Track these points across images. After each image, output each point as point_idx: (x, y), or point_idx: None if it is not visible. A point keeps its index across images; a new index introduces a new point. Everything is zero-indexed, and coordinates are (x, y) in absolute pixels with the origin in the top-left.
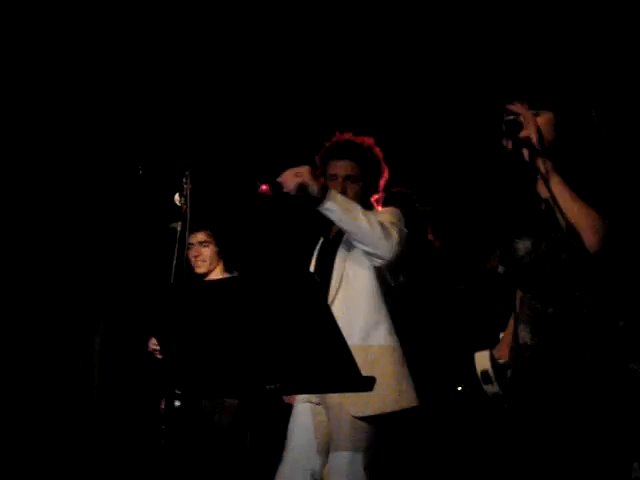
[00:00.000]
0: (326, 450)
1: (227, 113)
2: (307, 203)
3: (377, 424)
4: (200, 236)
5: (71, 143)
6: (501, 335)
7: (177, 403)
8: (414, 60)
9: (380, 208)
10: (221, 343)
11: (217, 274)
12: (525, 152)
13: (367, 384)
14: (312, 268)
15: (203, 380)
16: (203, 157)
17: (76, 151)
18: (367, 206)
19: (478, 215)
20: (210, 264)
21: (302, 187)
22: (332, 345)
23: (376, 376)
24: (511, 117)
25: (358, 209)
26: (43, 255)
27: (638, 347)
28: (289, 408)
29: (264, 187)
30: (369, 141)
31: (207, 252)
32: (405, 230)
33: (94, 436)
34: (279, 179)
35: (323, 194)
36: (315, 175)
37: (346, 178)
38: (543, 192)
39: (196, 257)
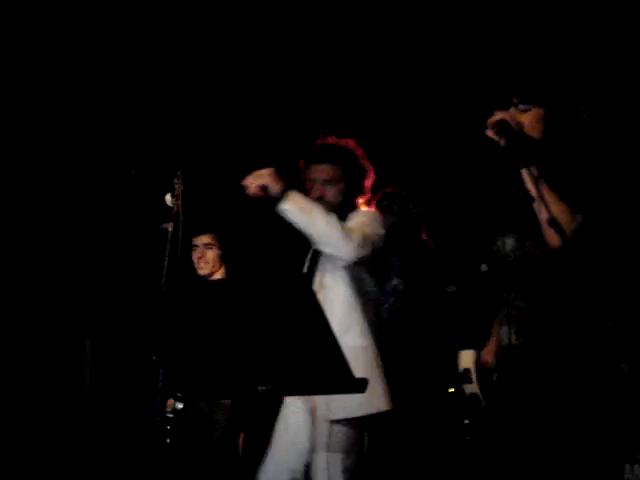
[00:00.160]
0: (310, 450)
1: (218, 114)
2: (270, 205)
3: (353, 426)
4: (205, 238)
5: (62, 145)
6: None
7: (179, 405)
8: (407, 62)
9: (364, 209)
10: (215, 344)
11: (219, 277)
12: (510, 147)
13: (360, 386)
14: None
15: (199, 382)
16: (195, 157)
17: (68, 153)
18: (351, 208)
19: (471, 216)
20: (213, 266)
21: (264, 189)
22: (325, 347)
23: None
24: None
25: (317, 211)
26: (34, 257)
27: (626, 347)
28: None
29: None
30: (350, 143)
31: (210, 254)
32: (379, 231)
33: (85, 436)
34: (242, 181)
35: (283, 195)
36: (277, 177)
37: (325, 182)
38: (529, 190)
39: (199, 259)
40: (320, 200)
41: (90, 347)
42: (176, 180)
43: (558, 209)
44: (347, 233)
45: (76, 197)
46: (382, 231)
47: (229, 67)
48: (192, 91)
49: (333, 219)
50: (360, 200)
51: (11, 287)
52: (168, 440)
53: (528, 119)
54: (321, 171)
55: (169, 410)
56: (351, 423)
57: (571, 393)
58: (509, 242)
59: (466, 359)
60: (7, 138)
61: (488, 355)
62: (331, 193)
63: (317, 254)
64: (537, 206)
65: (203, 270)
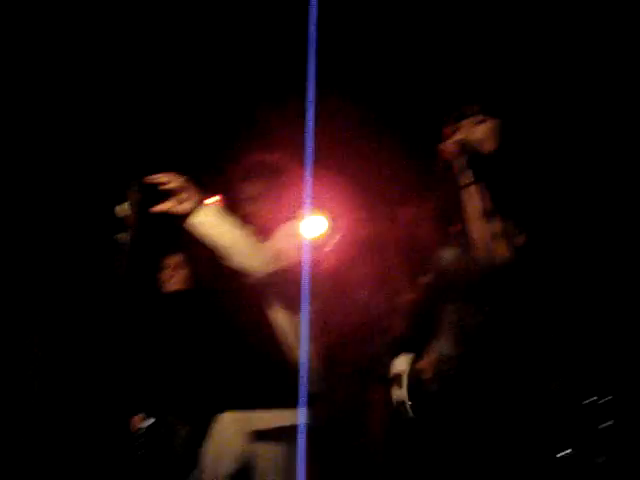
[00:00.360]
0: (243, 460)
1: (172, 122)
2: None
3: (286, 437)
4: (173, 259)
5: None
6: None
7: (148, 422)
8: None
9: (289, 222)
10: (172, 360)
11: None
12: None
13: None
14: None
15: (162, 397)
16: (149, 167)
17: (18, 160)
18: (279, 221)
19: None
20: (181, 285)
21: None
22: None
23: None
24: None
25: (226, 225)
26: None
27: (558, 365)
28: None
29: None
30: (273, 158)
31: (179, 274)
32: (298, 242)
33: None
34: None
35: (194, 209)
36: (193, 189)
37: (247, 198)
38: (474, 205)
39: (168, 278)
40: (246, 217)
41: (38, 358)
42: (131, 190)
43: (500, 224)
44: (257, 248)
45: (26, 207)
46: (306, 242)
47: (182, 74)
48: (141, 101)
49: (239, 233)
50: (290, 214)
51: None
52: (138, 453)
53: (483, 131)
54: (243, 189)
55: (139, 427)
56: (284, 433)
57: (504, 404)
58: (450, 254)
59: (401, 363)
60: None
61: (426, 364)
62: (254, 208)
63: None
64: (480, 220)
65: (171, 288)
